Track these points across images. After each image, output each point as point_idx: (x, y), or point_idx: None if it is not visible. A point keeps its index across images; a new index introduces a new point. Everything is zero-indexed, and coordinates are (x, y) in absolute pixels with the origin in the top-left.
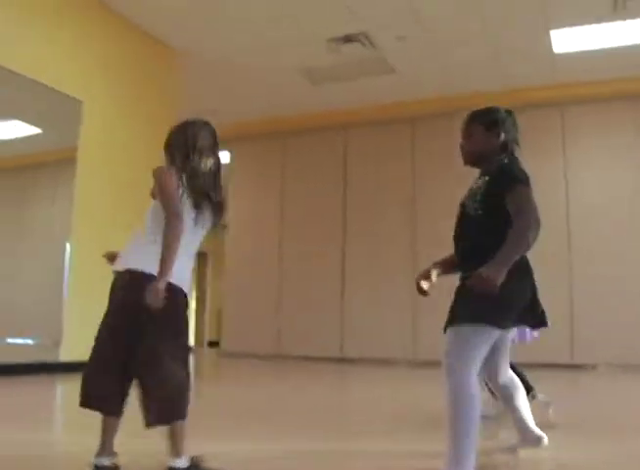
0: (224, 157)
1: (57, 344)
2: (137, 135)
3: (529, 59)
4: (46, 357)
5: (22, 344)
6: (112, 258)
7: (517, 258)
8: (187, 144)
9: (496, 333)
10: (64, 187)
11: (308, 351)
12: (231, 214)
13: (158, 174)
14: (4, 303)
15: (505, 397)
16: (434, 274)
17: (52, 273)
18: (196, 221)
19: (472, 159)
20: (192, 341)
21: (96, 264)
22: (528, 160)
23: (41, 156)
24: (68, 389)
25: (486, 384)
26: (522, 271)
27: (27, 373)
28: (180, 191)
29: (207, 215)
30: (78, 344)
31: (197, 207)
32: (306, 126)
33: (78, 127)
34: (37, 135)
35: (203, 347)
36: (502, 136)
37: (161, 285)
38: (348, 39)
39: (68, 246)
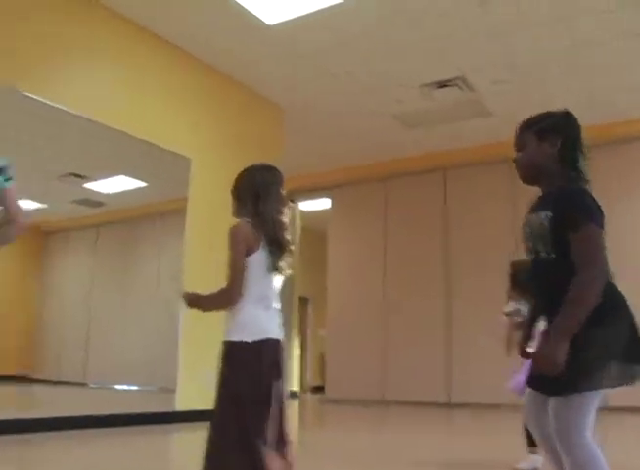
0: (325, 203)
1: (171, 392)
2: None
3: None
4: (160, 408)
5: (133, 391)
6: None
7: (581, 321)
8: (256, 189)
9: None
10: (169, 237)
11: (414, 396)
12: (331, 259)
13: (231, 237)
14: (116, 351)
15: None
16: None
17: (164, 323)
18: (269, 268)
19: (528, 174)
20: (295, 386)
21: (205, 316)
22: None
23: (146, 208)
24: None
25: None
26: (609, 314)
27: (143, 423)
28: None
29: (280, 261)
30: (191, 394)
31: (270, 253)
32: (405, 170)
33: (183, 181)
34: (142, 189)
35: (306, 392)
36: (559, 143)
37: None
38: (443, 84)
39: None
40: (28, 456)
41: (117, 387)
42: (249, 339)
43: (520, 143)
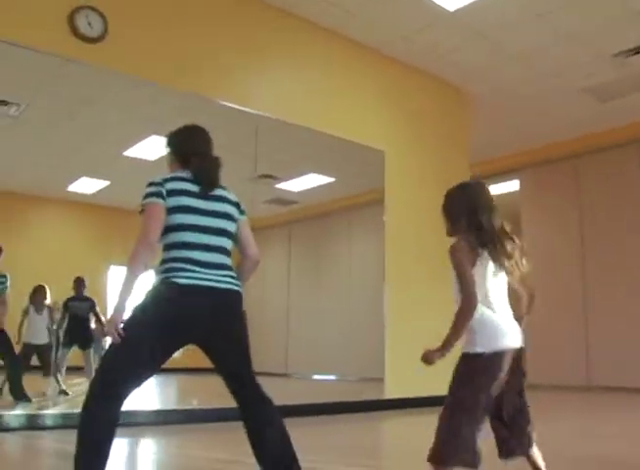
0: (514, 185)
1: (370, 382)
2: (434, 176)
3: None
4: (368, 396)
5: (333, 381)
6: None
7: None
8: (470, 204)
9: None
10: (359, 230)
11: (621, 381)
12: (525, 241)
13: (452, 256)
14: (314, 343)
15: None
16: None
17: (357, 316)
18: (495, 274)
19: None
20: None
21: (411, 304)
22: None
23: (335, 203)
24: (399, 425)
25: None
26: None
27: (352, 411)
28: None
29: (502, 264)
30: (399, 382)
31: (494, 260)
32: (598, 145)
33: (372, 174)
34: (331, 184)
35: None
36: None
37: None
38: (638, 51)
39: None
40: None
41: (316, 377)
42: (485, 350)
43: None
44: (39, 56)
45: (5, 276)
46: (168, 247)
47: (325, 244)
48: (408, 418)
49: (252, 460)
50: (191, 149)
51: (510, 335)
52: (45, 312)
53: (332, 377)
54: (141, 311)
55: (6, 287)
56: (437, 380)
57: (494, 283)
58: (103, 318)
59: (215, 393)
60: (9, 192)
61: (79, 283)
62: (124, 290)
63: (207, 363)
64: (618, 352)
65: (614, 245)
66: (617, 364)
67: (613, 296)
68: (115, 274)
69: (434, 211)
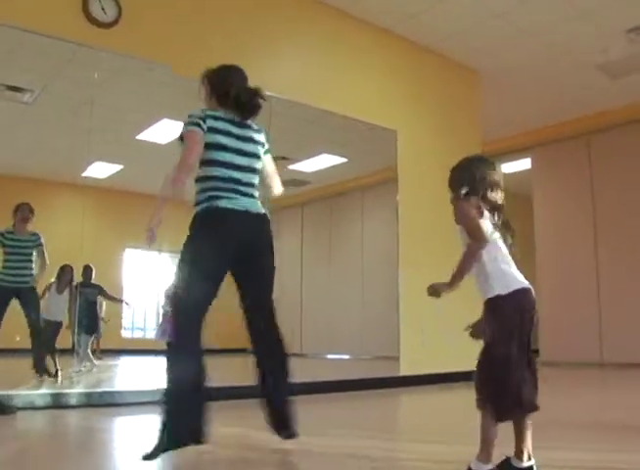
0: (525, 164)
1: (384, 360)
2: (446, 153)
3: None
4: (387, 373)
5: (347, 360)
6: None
7: None
8: (474, 179)
9: None
10: (370, 209)
11: (634, 358)
12: (538, 219)
13: (459, 207)
14: (327, 322)
15: None
16: None
17: (370, 295)
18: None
19: None
20: None
21: (425, 281)
22: None
23: (347, 183)
24: (414, 400)
25: None
26: None
27: (367, 387)
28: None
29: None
30: (413, 359)
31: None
32: (611, 122)
33: (385, 153)
34: (343, 164)
35: None
36: None
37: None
38: None
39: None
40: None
41: (331, 356)
42: (503, 292)
43: None
44: (52, 42)
45: (36, 235)
46: (206, 179)
47: (338, 224)
48: (423, 394)
49: (261, 437)
50: (230, 85)
51: (522, 280)
52: (66, 293)
53: (346, 356)
54: (195, 234)
55: (40, 244)
56: (451, 357)
57: (497, 240)
58: (116, 297)
59: (223, 371)
60: (24, 178)
61: (87, 270)
62: (162, 202)
63: (220, 344)
64: (632, 328)
65: (626, 222)
66: (631, 341)
67: (625, 273)
68: (130, 257)
69: (447, 189)
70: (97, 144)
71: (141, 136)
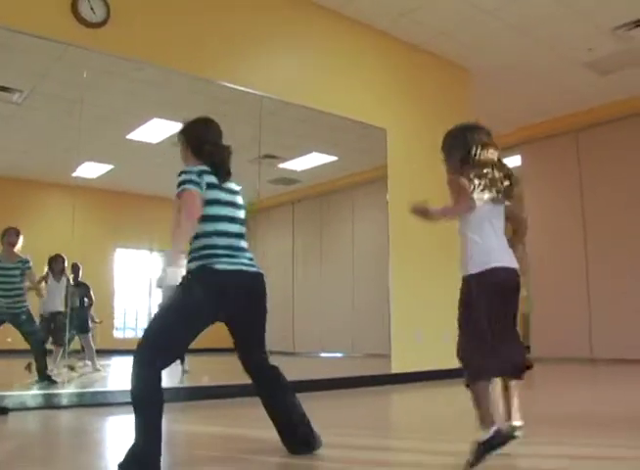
0: (515, 161)
1: (377, 358)
2: (436, 151)
3: None
4: (379, 371)
5: (340, 358)
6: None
7: None
8: (466, 143)
9: None
10: (361, 207)
11: (623, 354)
12: (529, 216)
13: (452, 182)
14: (320, 320)
15: None
16: None
17: (361, 294)
18: (493, 202)
19: None
20: None
21: (415, 279)
22: None
23: (337, 181)
24: (407, 398)
25: None
26: None
27: (360, 385)
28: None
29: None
30: (405, 357)
31: (490, 187)
32: (599, 119)
33: (375, 152)
34: (333, 163)
35: None
36: None
37: None
38: (639, 23)
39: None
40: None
41: (323, 355)
42: (474, 271)
43: None
44: (41, 42)
45: (24, 260)
46: (203, 235)
47: (329, 222)
48: (415, 392)
49: (259, 434)
50: (205, 140)
51: (500, 257)
52: (63, 280)
53: (338, 354)
54: (188, 291)
55: (29, 268)
56: (442, 355)
57: (486, 214)
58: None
59: (222, 370)
60: (14, 178)
61: (75, 269)
62: (174, 258)
63: (212, 344)
64: (621, 325)
65: (615, 218)
66: (620, 337)
67: (615, 269)
68: (121, 257)
69: (436, 187)
70: (87, 144)
71: (131, 136)
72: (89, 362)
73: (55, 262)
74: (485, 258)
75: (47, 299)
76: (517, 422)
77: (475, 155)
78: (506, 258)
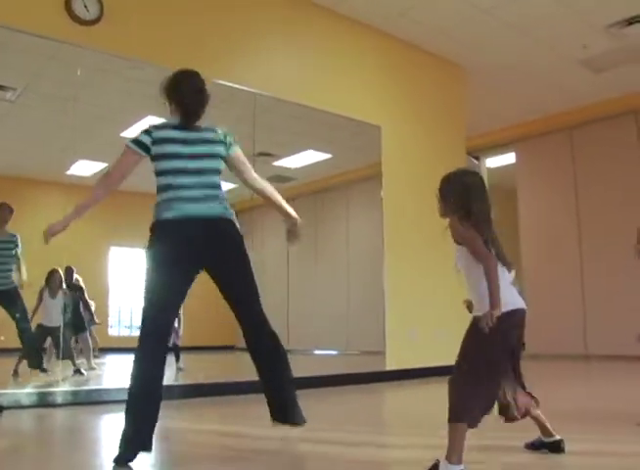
0: (510, 158)
1: (372, 355)
2: (430, 149)
3: None
4: (374, 368)
5: (335, 356)
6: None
7: None
8: (462, 192)
9: None
10: (356, 205)
11: (617, 350)
12: (522, 213)
13: (455, 228)
14: (314, 318)
15: None
16: None
17: (356, 291)
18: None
19: None
20: None
21: (409, 277)
22: None
23: (332, 179)
24: (401, 395)
25: None
26: None
27: (355, 382)
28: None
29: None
30: (399, 354)
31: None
32: (593, 116)
33: (369, 149)
34: (328, 160)
35: None
36: None
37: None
38: (632, 21)
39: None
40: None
41: (318, 352)
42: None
43: None
44: (35, 40)
45: (15, 235)
46: (158, 190)
47: (323, 220)
48: (409, 388)
49: (260, 432)
50: (180, 95)
51: (517, 298)
52: (59, 296)
53: (333, 352)
54: (149, 253)
55: (17, 245)
56: (436, 352)
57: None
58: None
59: (216, 368)
60: (7, 176)
61: (69, 272)
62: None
63: (206, 342)
64: (615, 321)
65: (609, 215)
66: (614, 333)
67: (609, 266)
68: (115, 255)
69: (430, 185)
70: (81, 142)
71: (125, 133)
72: (84, 361)
73: (52, 278)
74: (506, 295)
75: (44, 316)
76: (557, 436)
77: (473, 207)
78: None
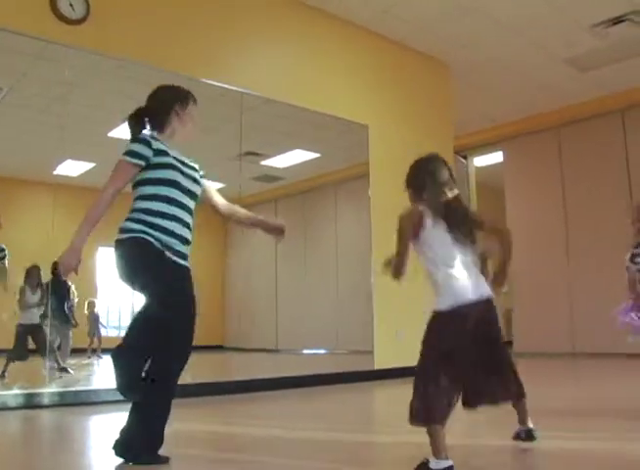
0: (497, 157)
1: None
2: (418, 147)
3: None
4: (363, 367)
5: (323, 355)
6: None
7: None
8: (429, 179)
9: None
10: (344, 203)
11: (604, 347)
12: (510, 212)
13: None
14: (303, 318)
15: None
16: None
17: (344, 290)
18: (455, 241)
19: None
20: None
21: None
22: None
23: (320, 178)
24: (390, 393)
25: None
26: None
27: (344, 381)
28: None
29: (463, 234)
30: (387, 353)
31: (450, 231)
32: (580, 115)
33: (357, 148)
34: (316, 160)
35: None
36: None
37: None
38: (616, 21)
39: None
40: (265, 411)
41: (306, 352)
42: (443, 307)
43: None
44: (20, 39)
45: (2, 246)
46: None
47: (311, 219)
48: (398, 387)
49: (248, 431)
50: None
51: (469, 290)
52: (39, 292)
53: (322, 351)
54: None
55: (5, 255)
56: None
57: (453, 244)
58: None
59: (207, 367)
60: None
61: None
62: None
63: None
64: (602, 319)
65: (596, 213)
66: (601, 331)
67: (596, 264)
68: (103, 255)
69: None
70: (68, 142)
71: (113, 133)
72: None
73: (30, 276)
74: (453, 291)
75: (24, 313)
76: (531, 425)
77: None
78: None
